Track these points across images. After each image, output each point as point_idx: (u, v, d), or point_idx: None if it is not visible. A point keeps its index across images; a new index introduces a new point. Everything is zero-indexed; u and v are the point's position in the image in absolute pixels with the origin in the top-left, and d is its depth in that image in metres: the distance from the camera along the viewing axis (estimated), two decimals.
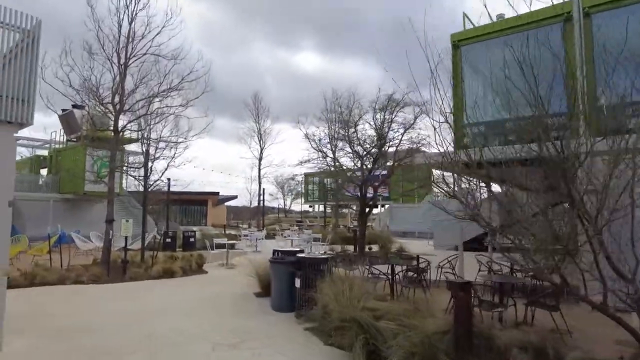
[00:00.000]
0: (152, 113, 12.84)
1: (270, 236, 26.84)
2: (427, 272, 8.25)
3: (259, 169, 36.80)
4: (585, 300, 4.56)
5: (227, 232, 30.24)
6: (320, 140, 16.95)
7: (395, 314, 5.51)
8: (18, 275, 9.65)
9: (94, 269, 10.55)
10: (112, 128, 12.70)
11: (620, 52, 4.91)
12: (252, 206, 49.30)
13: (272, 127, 36.43)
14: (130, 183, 27.92)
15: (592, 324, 5.95)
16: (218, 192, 51.37)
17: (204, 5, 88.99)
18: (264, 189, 35.43)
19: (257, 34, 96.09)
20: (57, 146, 27.99)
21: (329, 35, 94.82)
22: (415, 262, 10.20)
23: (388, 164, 16.43)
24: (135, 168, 13.69)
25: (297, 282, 6.89)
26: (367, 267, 8.74)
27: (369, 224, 42.85)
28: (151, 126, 13.10)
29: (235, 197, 59.20)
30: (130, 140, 22.60)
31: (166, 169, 20.56)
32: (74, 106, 24.40)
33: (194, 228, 29.39)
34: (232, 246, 14.11)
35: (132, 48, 12.80)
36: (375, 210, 45.70)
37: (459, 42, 9.97)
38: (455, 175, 10.22)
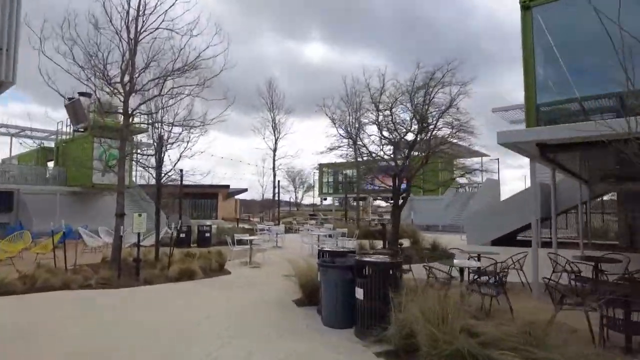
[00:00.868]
0: (166, 94, 11.38)
1: (287, 230, 25.41)
2: (506, 276, 6.76)
3: (274, 160, 35.31)
4: None
5: (239, 225, 28.89)
6: (348, 126, 15.38)
7: (511, 341, 4.05)
8: (16, 278, 8.32)
9: (104, 271, 9.19)
10: (121, 111, 11.29)
11: None
12: (264, 199, 47.92)
13: (287, 116, 34.30)
14: (140, 175, 26.72)
15: None
16: (228, 185, 50.21)
17: None
18: (279, 181, 33.96)
19: (264, 25, 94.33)
20: (63, 137, 26.78)
21: (337, 25, 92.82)
22: (477, 262, 8.75)
23: (414, 153, 14.86)
24: (148, 156, 12.27)
25: (359, 292, 5.44)
26: (427, 268, 7.29)
27: (387, 217, 41.32)
28: (165, 109, 11.64)
29: (245, 190, 57.94)
30: (141, 130, 21.27)
31: (178, 160, 19.29)
32: (81, 94, 23.14)
33: (208, 222, 28.15)
34: (253, 242, 12.69)
35: (143, 21, 11.36)
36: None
37: (530, 2, 8.37)
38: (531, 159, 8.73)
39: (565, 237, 22.15)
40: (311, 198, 66.73)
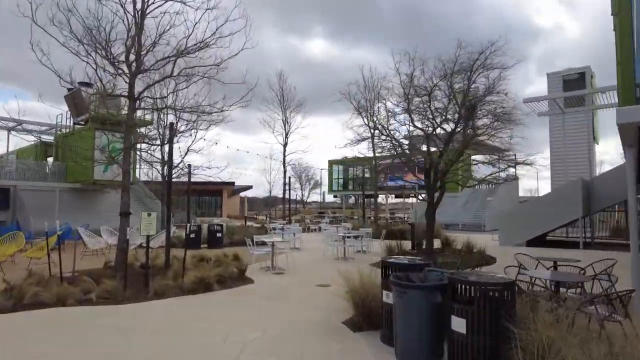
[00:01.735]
0: (179, 74, 9.88)
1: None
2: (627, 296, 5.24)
3: (284, 155, 33.72)
4: None
5: (247, 224, 27.39)
6: (374, 115, 13.85)
7: None
8: (0, 292, 6.87)
9: (106, 280, 7.68)
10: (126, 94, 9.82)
11: None
12: (270, 196, 46.46)
13: (299, 108, 32.50)
14: (143, 172, 25.34)
15: None
16: (233, 182, 48.68)
17: None
18: (289, 178, 32.42)
19: (265, 21, 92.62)
20: (63, 131, 25.30)
21: (341, 20, 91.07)
22: (553, 269, 7.29)
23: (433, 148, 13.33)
24: (156, 145, 10.78)
25: (459, 324, 3.96)
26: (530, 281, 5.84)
27: (399, 215, 39.85)
28: (176, 92, 10.17)
29: (250, 187, 56.55)
30: (145, 122, 19.78)
31: (186, 153, 17.82)
32: (81, 84, 21.62)
33: (216, 220, 26.71)
34: (274, 245, 11.19)
35: None
36: (408, 200, 42.69)
37: None
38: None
39: (598, 236, 20.60)
40: (317, 196, 65.25)
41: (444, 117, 12.32)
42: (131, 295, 7.35)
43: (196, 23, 9.73)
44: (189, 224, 12.67)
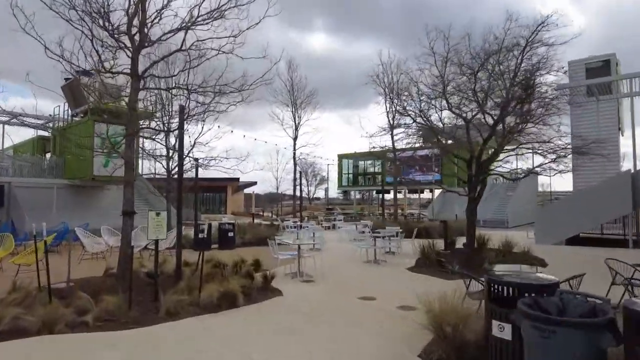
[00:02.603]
0: (190, 48, 8.36)
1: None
2: None
3: (294, 149, 32.15)
4: None
5: (254, 221, 25.86)
6: (410, 99, 12.33)
7: None
8: None
9: (107, 295, 6.19)
10: (128, 71, 8.31)
11: None
12: (276, 192, 44.97)
13: (310, 98, 30.85)
14: (145, 167, 23.90)
15: None
16: (238, 178, 47.25)
17: None
18: (300, 172, 30.89)
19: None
20: (60, 124, 23.83)
21: (344, 14, 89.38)
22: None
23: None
24: (163, 132, 9.29)
25: None
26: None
27: (415, 211, 38.31)
28: (186, 70, 8.66)
29: (254, 183, 55.05)
30: (147, 114, 18.23)
31: (193, 145, 16.31)
32: (79, 72, 20.12)
33: (224, 218, 25.22)
34: (300, 248, 9.69)
35: None
36: (424, 195, 41.19)
37: None
38: None
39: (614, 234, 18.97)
40: (321, 192, 63.79)
41: (490, 100, 10.79)
42: (137, 316, 5.88)
43: None
44: (199, 223, 11.19)
